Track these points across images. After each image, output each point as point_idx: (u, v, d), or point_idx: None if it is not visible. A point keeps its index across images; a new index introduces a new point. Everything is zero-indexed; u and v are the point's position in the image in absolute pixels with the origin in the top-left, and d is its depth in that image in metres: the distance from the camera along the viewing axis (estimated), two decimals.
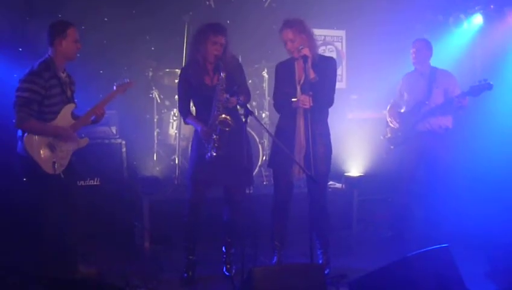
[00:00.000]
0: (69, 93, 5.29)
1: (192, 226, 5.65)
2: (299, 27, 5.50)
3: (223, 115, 5.25)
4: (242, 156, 5.26)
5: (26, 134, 5.04)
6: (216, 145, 5.29)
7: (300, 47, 5.42)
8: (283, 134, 5.60)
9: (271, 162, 5.84)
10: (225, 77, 5.34)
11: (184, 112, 5.68)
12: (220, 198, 5.78)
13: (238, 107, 5.60)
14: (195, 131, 5.67)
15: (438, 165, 6.56)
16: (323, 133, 5.62)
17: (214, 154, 5.30)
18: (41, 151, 5.07)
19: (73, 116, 5.33)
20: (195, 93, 5.56)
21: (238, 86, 5.27)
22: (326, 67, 5.55)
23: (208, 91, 5.44)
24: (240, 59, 5.84)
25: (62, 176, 5.18)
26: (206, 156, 5.35)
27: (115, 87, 5.57)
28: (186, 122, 5.75)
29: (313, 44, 5.55)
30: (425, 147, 6.55)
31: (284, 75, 5.65)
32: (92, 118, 5.43)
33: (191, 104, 5.76)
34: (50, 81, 5.07)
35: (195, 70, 5.51)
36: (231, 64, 5.48)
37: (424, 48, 6.65)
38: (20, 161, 5.13)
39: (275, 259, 5.82)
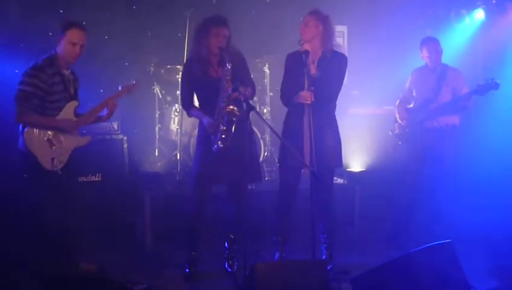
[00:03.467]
0: (72, 90, 5.28)
1: (196, 224, 5.64)
2: (320, 17, 5.49)
3: (231, 106, 5.24)
4: (246, 151, 5.25)
5: (26, 129, 5.03)
6: (224, 136, 5.28)
7: (301, 42, 5.42)
8: (291, 129, 5.59)
9: (280, 159, 5.83)
10: (231, 67, 5.32)
11: (187, 104, 5.66)
12: (223, 194, 5.77)
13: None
14: (200, 127, 5.64)
15: (444, 162, 6.54)
16: (331, 126, 5.61)
17: (221, 145, 5.29)
18: (41, 147, 5.06)
19: (76, 114, 5.32)
20: (200, 86, 5.54)
21: (240, 82, 5.25)
22: (335, 64, 5.53)
23: (214, 83, 5.42)
24: None
25: (59, 173, 5.17)
26: (213, 148, 5.34)
27: (120, 88, 5.56)
28: (190, 115, 5.74)
29: (328, 39, 5.51)
30: (431, 144, 6.53)
31: (293, 67, 5.60)
32: (103, 113, 5.43)
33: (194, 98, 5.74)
34: (53, 78, 5.07)
35: (200, 63, 5.49)
36: (235, 57, 5.44)
37: (438, 48, 6.59)
38: (21, 157, 5.13)
39: (277, 255, 5.81)
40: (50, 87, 5.05)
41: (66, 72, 5.22)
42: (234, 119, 5.26)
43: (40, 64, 5.06)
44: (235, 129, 5.30)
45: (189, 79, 5.59)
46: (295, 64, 5.54)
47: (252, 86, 5.63)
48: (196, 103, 5.80)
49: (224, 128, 5.28)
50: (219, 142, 5.29)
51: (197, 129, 5.87)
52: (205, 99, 5.58)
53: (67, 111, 5.22)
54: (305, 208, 5.33)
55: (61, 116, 5.18)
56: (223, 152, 5.32)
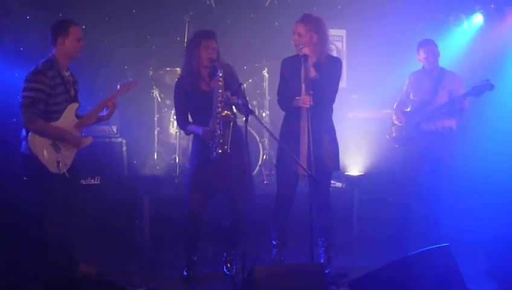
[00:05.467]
0: (72, 92, 5.29)
1: (192, 229, 5.64)
2: (313, 25, 5.48)
3: (226, 111, 5.26)
4: (242, 164, 5.28)
5: (30, 133, 5.02)
6: (221, 141, 5.29)
7: (300, 46, 5.44)
8: (288, 133, 5.60)
9: (277, 163, 5.83)
10: (222, 74, 5.35)
11: (183, 123, 5.65)
12: (221, 200, 5.77)
13: (235, 110, 5.59)
14: (194, 141, 5.67)
15: (441, 165, 6.56)
16: (329, 130, 5.63)
17: (220, 151, 5.29)
18: (46, 151, 5.06)
19: (77, 115, 5.33)
20: (192, 100, 5.54)
21: (239, 85, 5.27)
22: (330, 67, 5.54)
23: (205, 96, 5.45)
24: (240, 58, 5.83)
25: (67, 175, 5.18)
26: (212, 156, 5.34)
27: (118, 86, 5.58)
28: (187, 132, 5.73)
29: (323, 46, 5.53)
30: (428, 147, 6.54)
31: (289, 71, 5.62)
32: (103, 113, 5.45)
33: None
34: (54, 80, 5.07)
35: (191, 76, 5.52)
36: (225, 71, 5.44)
37: (435, 50, 6.62)
38: (24, 160, 5.12)
39: (275, 258, 5.82)
40: (52, 89, 5.05)
41: (66, 74, 5.23)
42: (230, 122, 5.28)
43: (40, 68, 5.05)
44: (231, 139, 5.33)
45: (181, 95, 5.60)
46: (291, 68, 5.57)
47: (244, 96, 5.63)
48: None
49: (221, 132, 5.29)
50: (217, 148, 5.30)
51: None
52: (198, 113, 5.58)
53: (69, 113, 5.22)
54: (303, 211, 5.34)
55: (63, 118, 5.17)
56: (219, 161, 5.34)
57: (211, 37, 5.48)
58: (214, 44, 5.46)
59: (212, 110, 5.39)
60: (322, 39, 5.52)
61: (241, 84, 5.38)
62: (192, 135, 5.73)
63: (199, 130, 5.46)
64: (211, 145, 5.36)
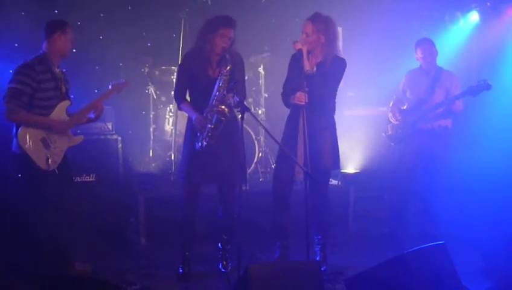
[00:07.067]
0: (63, 89, 5.29)
1: (188, 224, 5.64)
2: (321, 26, 5.45)
3: (222, 106, 5.24)
4: (235, 155, 5.26)
5: (19, 129, 5.02)
6: (210, 134, 5.28)
7: (294, 42, 5.43)
8: (290, 130, 5.62)
9: (277, 159, 5.84)
10: (230, 70, 5.33)
11: (180, 97, 5.65)
12: (215, 194, 5.76)
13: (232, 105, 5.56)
14: (189, 125, 5.62)
15: (436, 164, 6.55)
16: (329, 128, 5.62)
17: (205, 144, 5.29)
18: (35, 147, 5.06)
19: (68, 113, 5.32)
20: (195, 81, 5.53)
21: (234, 83, 5.26)
22: (332, 66, 5.52)
23: (209, 82, 5.42)
24: None
25: (57, 171, 5.17)
26: (197, 146, 5.34)
27: (110, 86, 5.57)
28: (180, 108, 5.72)
29: (330, 47, 5.50)
30: (424, 145, 6.53)
31: (294, 67, 5.58)
32: (91, 115, 5.42)
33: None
34: (43, 75, 5.09)
35: (200, 59, 5.49)
36: (234, 60, 5.45)
37: (433, 49, 6.60)
38: (15, 158, 5.12)
39: (277, 255, 5.75)
40: (40, 84, 5.06)
41: (57, 70, 5.24)
42: (223, 119, 5.26)
43: (29, 62, 5.10)
44: (226, 130, 5.31)
45: (186, 71, 5.59)
46: (295, 65, 5.55)
47: (243, 91, 5.62)
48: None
49: (212, 126, 5.28)
50: (204, 140, 5.30)
51: None
52: (197, 96, 5.57)
53: (60, 110, 5.23)
54: (299, 209, 5.33)
55: (54, 115, 5.18)
56: (212, 152, 5.33)
57: (230, 26, 5.44)
58: (231, 33, 5.42)
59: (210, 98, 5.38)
60: (330, 40, 5.49)
61: (237, 81, 5.38)
62: (186, 126, 5.69)
63: (193, 114, 5.45)
64: (198, 134, 5.35)
